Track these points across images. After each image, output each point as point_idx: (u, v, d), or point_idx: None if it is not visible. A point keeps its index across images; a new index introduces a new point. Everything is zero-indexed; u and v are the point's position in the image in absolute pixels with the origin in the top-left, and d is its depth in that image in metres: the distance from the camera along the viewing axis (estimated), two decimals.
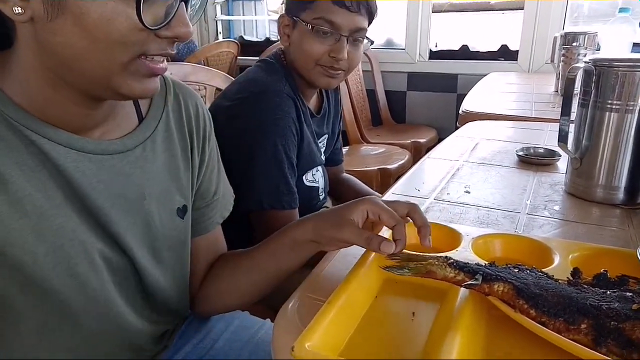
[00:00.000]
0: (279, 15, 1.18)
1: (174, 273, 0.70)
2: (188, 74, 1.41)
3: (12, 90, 0.53)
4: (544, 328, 0.48)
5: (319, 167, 1.21)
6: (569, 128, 0.96)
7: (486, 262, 0.57)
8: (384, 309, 0.59)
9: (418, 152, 2.56)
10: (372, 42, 1.11)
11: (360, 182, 1.46)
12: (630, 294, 0.49)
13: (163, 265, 0.68)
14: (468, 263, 0.56)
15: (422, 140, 2.67)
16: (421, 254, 0.60)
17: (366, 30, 1.06)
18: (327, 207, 1.28)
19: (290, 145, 1.02)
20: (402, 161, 2.30)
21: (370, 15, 1.06)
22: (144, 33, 0.51)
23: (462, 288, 0.56)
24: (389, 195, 0.99)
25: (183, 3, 0.53)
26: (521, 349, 0.51)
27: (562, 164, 1.16)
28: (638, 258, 0.61)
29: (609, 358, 0.43)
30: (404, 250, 0.61)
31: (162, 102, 0.68)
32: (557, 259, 0.64)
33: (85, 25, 0.48)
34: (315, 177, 1.20)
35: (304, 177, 1.16)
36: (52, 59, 0.51)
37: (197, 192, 0.74)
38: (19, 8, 0.48)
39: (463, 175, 1.11)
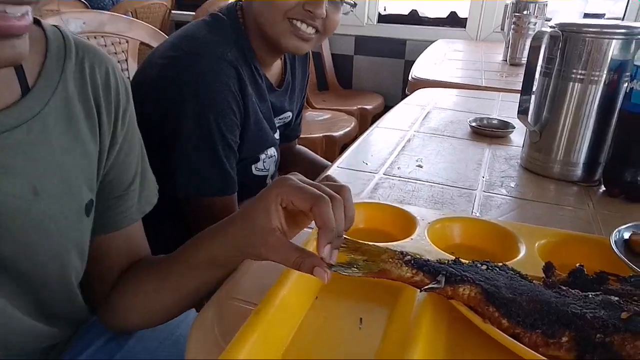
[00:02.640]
0: None
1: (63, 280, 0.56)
2: (104, 23, 1.20)
3: None
4: (519, 344, 0.39)
5: (273, 150, 1.02)
6: (530, 100, 0.88)
7: (449, 260, 0.47)
8: (325, 314, 0.49)
9: (364, 119, 2.47)
10: (354, 5, 0.93)
11: (313, 154, 1.33)
12: (616, 298, 0.42)
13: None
14: (428, 261, 0.46)
15: (368, 107, 2.57)
16: (372, 244, 0.49)
17: None
18: None
19: (229, 123, 0.85)
20: (348, 128, 2.20)
21: None
22: None
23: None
24: (333, 170, 0.88)
25: None
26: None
27: (516, 136, 1.10)
28: (612, 247, 0.54)
29: None
30: (348, 238, 0.49)
31: (58, 68, 0.51)
32: (523, 249, 0.56)
33: None
34: (267, 164, 1.02)
35: (253, 167, 0.99)
36: None
37: (106, 181, 0.58)
38: None
39: (414, 147, 1.02)
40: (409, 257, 0.46)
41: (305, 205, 0.44)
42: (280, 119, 1.03)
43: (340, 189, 0.47)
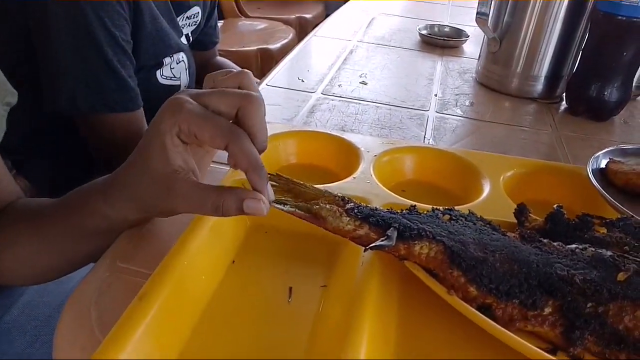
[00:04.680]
0: None
1: None
2: None
3: None
4: (486, 319, 0.30)
5: (182, 56, 0.85)
6: (491, 3, 0.75)
7: (402, 209, 0.36)
8: (244, 282, 0.37)
9: (304, 30, 2.26)
10: None
11: (236, 66, 1.15)
12: (609, 253, 0.33)
13: None
14: (376, 209, 0.35)
15: (308, 16, 2.35)
16: (309, 185, 0.37)
17: None
18: None
19: (115, 17, 0.65)
20: (286, 40, 1.99)
21: None
22: None
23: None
24: (262, 88, 0.73)
25: None
26: (450, 343, 0.33)
27: (470, 47, 0.98)
28: (593, 183, 0.45)
29: None
30: (282, 175, 0.36)
31: None
32: (487, 185, 0.46)
33: None
34: (176, 72, 0.84)
35: (158, 73, 0.81)
36: None
37: None
38: None
39: (357, 59, 0.88)
40: (352, 204, 0.35)
41: (218, 142, 0.31)
42: (188, 17, 0.84)
43: (242, 79, 0.34)
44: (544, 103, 0.76)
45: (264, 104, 0.32)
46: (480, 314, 0.31)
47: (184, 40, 0.85)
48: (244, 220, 0.42)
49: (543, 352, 0.28)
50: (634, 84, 0.78)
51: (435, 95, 0.76)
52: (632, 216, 0.39)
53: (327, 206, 0.34)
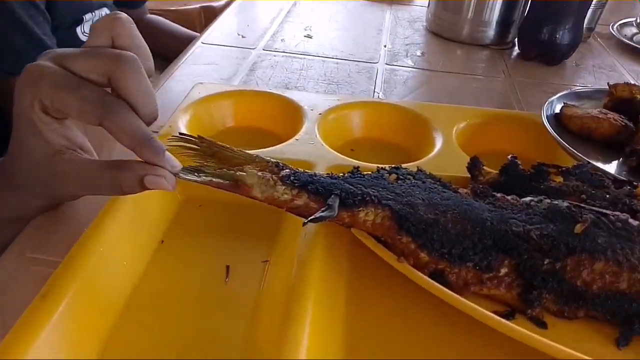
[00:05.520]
0: None
1: None
2: None
3: None
4: (438, 286, 0.27)
5: (105, 11, 0.78)
6: None
7: (344, 173, 0.33)
8: (174, 264, 0.33)
9: None
10: None
11: (174, 24, 1.07)
12: (566, 204, 0.31)
13: None
14: (315, 175, 0.31)
15: None
16: (238, 149, 0.32)
17: None
18: None
19: None
20: None
21: None
22: None
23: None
24: (198, 47, 0.67)
25: None
26: (403, 311, 0.30)
27: None
28: (544, 124, 0.43)
29: (556, 344, 0.24)
30: (204, 137, 0.31)
31: None
32: (439, 138, 0.43)
33: None
34: None
35: (78, 30, 0.73)
36: None
37: None
38: None
39: (301, 12, 0.82)
40: (288, 170, 0.31)
41: (89, 118, 0.25)
42: None
43: (114, 29, 0.27)
44: (497, 49, 0.74)
45: (139, 64, 0.26)
46: (432, 281, 0.28)
47: None
48: (173, 193, 0.38)
49: (496, 316, 0.26)
50: (584, 26, 0.76)
51: (385, 46, 0.72)
52: (589, 162, 0.37)
53: (259, 173, 0.30)
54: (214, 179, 0.29)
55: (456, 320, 0.28)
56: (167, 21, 1.04)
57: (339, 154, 0.41)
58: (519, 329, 0.25)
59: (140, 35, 0.29)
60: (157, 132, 0.42)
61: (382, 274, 0.31)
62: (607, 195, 0.33)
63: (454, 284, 0.29)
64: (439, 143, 0.43)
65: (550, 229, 0.29)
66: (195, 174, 0.29)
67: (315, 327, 0.27)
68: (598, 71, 0.69)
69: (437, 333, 0.29)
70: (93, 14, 0.72)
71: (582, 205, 0.31)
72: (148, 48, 0.29)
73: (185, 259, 0.34)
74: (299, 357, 0.25)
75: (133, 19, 0.70)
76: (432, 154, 0.42)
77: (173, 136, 0.30)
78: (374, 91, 0.59)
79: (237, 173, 0.29)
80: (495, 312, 0.27)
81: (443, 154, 0.42)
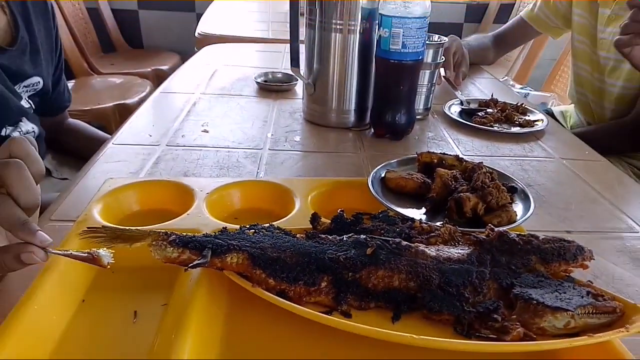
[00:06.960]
0: None
1: None
2: None
3: None
4: (280, 299, 0.41)
5: (29, 124, 0.87)
6: (299, 50, 0.91)
7: (216, 232, 0.47)
8: (94, 316, 0.44)
9: (162, 82, 2.31)
10: None
11: (91, 127, 1.18)
12: (364, 236, 0.46)
13: None
14: (194, 236, 0.45)
15: (164, 68, 2.41)
16: (135, 228, 0.46)
17: None
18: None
19: None
20: (143, 93, 2.04)
21: None
22: None
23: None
24: (109, 148, 0.80)
25: None
26: (266, 325, 0.44)
27: (301, 89, 1.14)
28: (369, 187, 0.60)
29: (338, 319, 0.39)
30: (108, 225, 0.44)
31: None
32: (298, 203, 0.59)
33: None
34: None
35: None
36: None
37: None
38: None
39: (200, 110, 0.98)
40: (174, 236, 0.44)
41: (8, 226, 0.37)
42: (25, 86, 0.89)
43: (10, 148, 0.38)
44: (357, 130, 0.94)
45: (20, 166, 0.37)
46: (278, 297, 0.42)
47: (24, 103, 0.89)
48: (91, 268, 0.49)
49: (321, 314, 0.40)
50: (423, 107, 0.99)
51: (269, 134, 0.89)
52: (388, 208, 0.54)
53: (154, 242, 0.44)
54: (73, 252, 0.41)
55: (296, 320, 0.42)
56: (86, 125, 1.15)
57: (222, 222, 0.55)
58: (334, 319, 0.40)
59: (31, 146, 0.40)
60: (74, 220, 0.54)
61: (252, 301, 0.44)
62: (397, 229, 0.50)
63: (293, 297, 0.43)
64: (297, 206, 0.59)
65: (352, 253, 0.45)
66: (60, 250, 0.40)
67: (195, 345, 0.39)
68: (431, 142, 0.91)
69: (290, 331, 0.43)
70: (16, 127, 0.83)
71: (374, 236, 0.47)
72: (38, 155, 0.40)
73: (102, 311, 0.45)
74: (184, 357, 0.37)
75: (56, 124, 0.89)
76: (292, 214, 0.57)
77: (83, 230, 0.43)
78: (257, 172, 0.74)
79: (92, 249, 0.42)
80: (321, 312, 0.41)
81: (299, 214, 0.57)
